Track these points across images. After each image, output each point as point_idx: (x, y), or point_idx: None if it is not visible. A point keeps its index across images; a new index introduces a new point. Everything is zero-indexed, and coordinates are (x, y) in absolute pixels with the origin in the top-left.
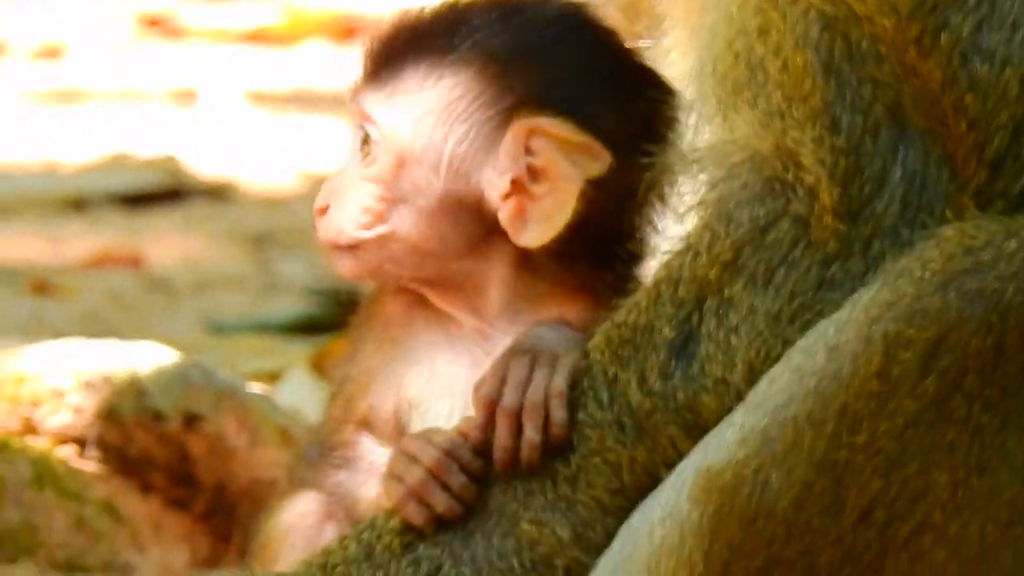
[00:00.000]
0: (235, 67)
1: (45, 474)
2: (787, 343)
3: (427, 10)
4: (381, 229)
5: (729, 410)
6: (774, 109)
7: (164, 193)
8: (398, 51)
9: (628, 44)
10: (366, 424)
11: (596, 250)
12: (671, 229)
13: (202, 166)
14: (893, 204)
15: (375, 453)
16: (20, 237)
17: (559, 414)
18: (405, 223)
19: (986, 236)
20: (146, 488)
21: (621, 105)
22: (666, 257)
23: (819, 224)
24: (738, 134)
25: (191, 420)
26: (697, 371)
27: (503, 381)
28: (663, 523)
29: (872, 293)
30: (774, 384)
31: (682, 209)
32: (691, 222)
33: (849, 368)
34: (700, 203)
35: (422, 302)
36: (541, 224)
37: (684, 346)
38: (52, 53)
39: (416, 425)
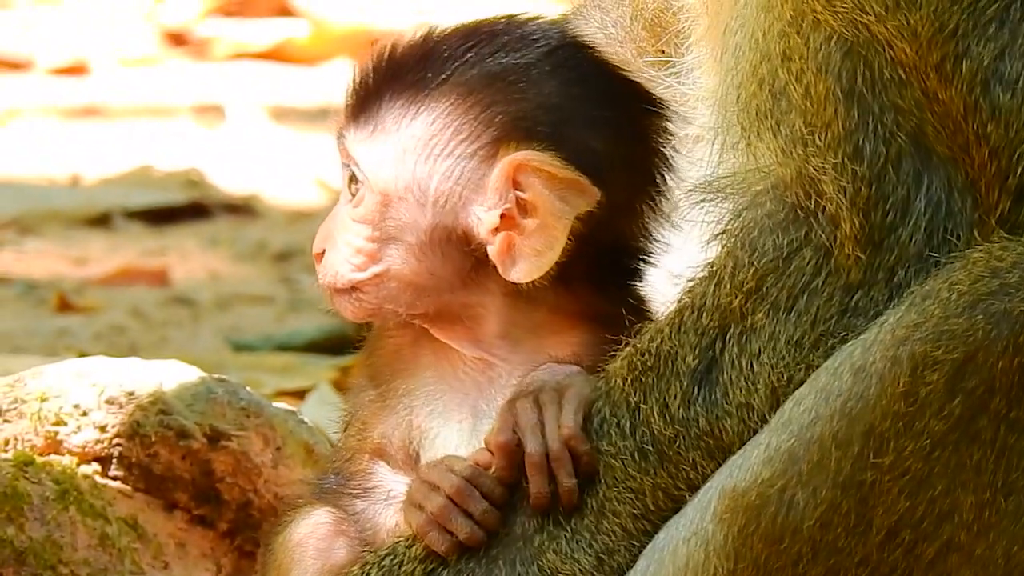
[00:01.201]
0: (259, 83)
1: (69, 491)
2: (810, 369)
3: (401, 44)
4: (375, 269)
5: (753, 433)
6: (796, 136)
7: (188, 209)
8: (375, 89)
9: (612, 59)
10: (380, 453)
11: (594, 274)
12: (692, 255)
13: (226, 182)
14: (917, 233)
15: (391, 481)
16: (44, 253)
17: (583, 448)
18: (397, 261)
19: (1013, 258)
20: (170, 505)
21: (609, 127)
22: (689, 284)
23: (841, 252)
24: (761, 162)
25: (215, 437)
26: (720, 396)
27: (516, 428)
28: (688, 543)
29: (899, 314)
30: (800, 404)
31: (706, 237)
32: (714, 250)
33: (875, 389)
34: (724, 231)
35: (425, 334)
36: (530, 260)
37: (707, 373)
38: (77, 69)
39: (426, 453)
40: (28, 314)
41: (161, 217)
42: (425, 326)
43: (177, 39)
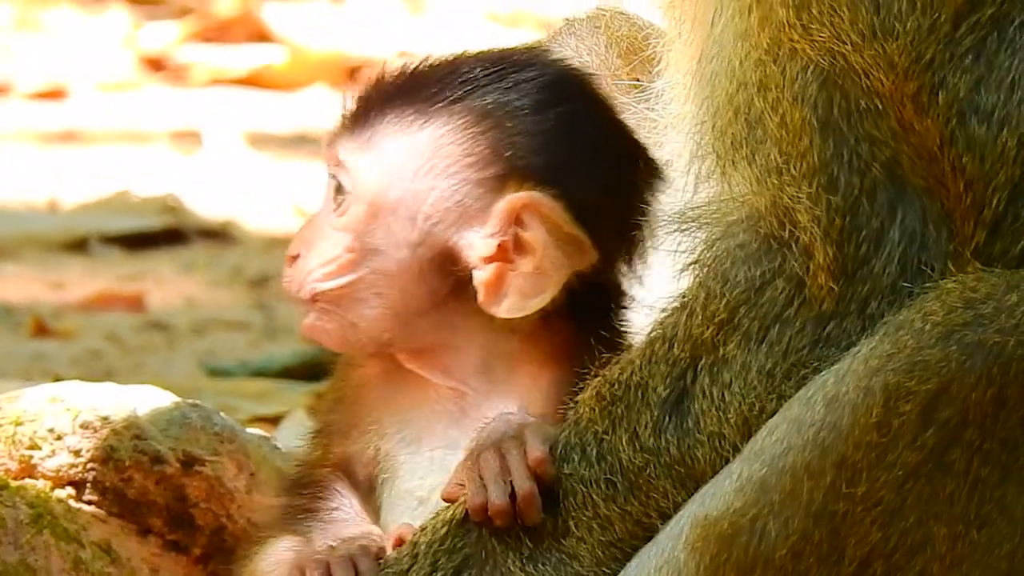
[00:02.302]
0: (236, 109)
1: (43, 515)
2: (782, 399)
3: (422, 61)
4: (345, 279)
5: (725, 462)
6: (771, 165)
7: (165, 234)
8: (382, 98)
9: (625, 120)
10: (340, 470)
11: (573, 310)
12: (664, 285)
13: (203, 208)
14: (891, 264)
15: (344, 500)
16: (21, 277)
17: (551, 471)
18: (370, 274)
19: (987, 289)
20: (144, 530)
21: (616, 189)
22: (661, 315)
23: (814, 283)
24: (736, 191)
25: (190, 463)
26: (691, 425)
27: (481, 481)
28: (660, 571)
29: (872, 344)
30: (772, 434)
31: (678, 267)
32: (687, 280)
33: (848, 419)
34: (696, 262)
35: (396, 364)
36: (516, 300)
37: (678, 403)
38: (55, 94)
39: (392, 480)
40: (4, 338)
41: (138, 242)
42: (397, 354)
43: (155, 65)
